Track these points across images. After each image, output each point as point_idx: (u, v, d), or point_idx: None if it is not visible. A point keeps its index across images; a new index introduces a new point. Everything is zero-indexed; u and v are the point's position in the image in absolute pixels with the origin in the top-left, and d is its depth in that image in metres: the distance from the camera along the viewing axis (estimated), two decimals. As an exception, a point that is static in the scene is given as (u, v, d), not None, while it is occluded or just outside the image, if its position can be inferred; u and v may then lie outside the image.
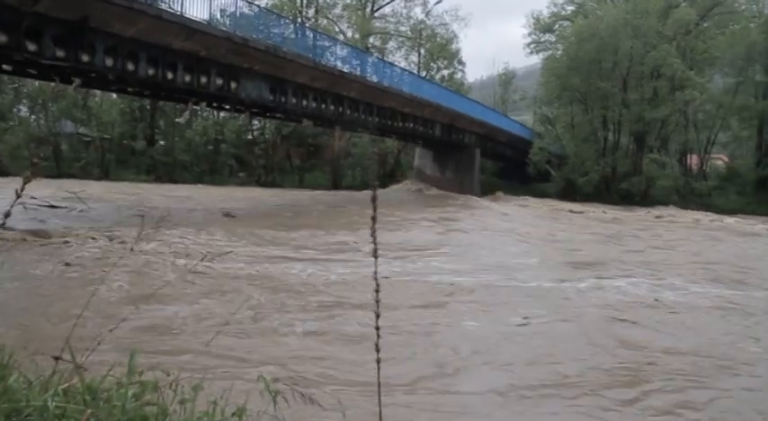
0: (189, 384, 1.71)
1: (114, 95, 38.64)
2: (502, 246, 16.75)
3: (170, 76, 17.41)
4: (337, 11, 48.55)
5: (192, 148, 43.24)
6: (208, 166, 43.52)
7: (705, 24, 43.15)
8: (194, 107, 25.99)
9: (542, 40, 51.21)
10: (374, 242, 1.68)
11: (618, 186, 39.97)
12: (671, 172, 40.41)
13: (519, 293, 10.33)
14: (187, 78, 18.00)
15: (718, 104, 41.13)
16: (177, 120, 39.81)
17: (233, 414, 1.69)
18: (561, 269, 13.21)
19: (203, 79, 18.59)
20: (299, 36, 22.67)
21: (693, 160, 43.92)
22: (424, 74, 45.50)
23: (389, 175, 42.42)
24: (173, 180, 38.18)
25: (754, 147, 42.14)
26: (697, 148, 43.09)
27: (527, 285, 11.00)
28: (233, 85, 19.79)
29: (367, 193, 1.36)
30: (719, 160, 46.89)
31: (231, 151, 44.90)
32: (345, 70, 24.82)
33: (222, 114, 42.01)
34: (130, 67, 16.19)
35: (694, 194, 38.87)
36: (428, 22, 48.50)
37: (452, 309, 9.04)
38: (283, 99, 22.38)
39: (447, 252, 14.82)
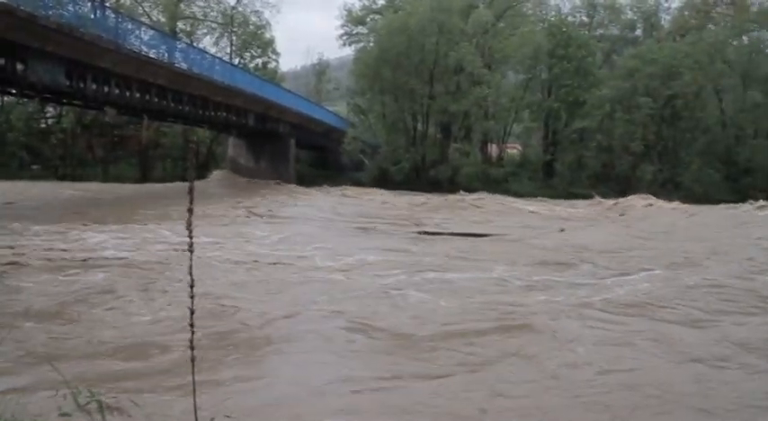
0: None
1: None
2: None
3: (-65, 53, 15.24)
4: (142, -9, 45.58)
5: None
6: (-9, 158, 38.71)
7: (501, 25, 46.97)
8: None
9: (355, 32, 52.36)
10: (190, 236, 1.68)
11: (427, 174, 42.39)
12: (474, 160, 43.58)
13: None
14: (-41, 58, 15.88)
15: (512, 98, 45.16)
16: None
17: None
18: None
19: (-20, 59, 16.53)
20: (98, 16, 20.96)
21: (493, 149, 47.89)
22: (237, 62, 44.47)
23: (203, 166, 40.99)
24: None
25: (541, 138, 46.91)
26: (495, 138, 47.11)
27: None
28: (19, 66, 17.80)
29: (181, 186, 1.36)
30: (515, 149, 51.56)
31: (21, 141, 40.37)
32: (152, 55, 23.48)
33: (7, 99, 37.78)
34: None
35: (494, 180, 42.22)
36: (239, 8, 47.41)
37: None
38: (82, 84, 20.59)
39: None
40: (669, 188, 38.28)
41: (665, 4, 51.24)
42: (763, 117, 40.98)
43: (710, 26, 46.50)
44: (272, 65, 48.92)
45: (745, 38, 45.51)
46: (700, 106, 42.54)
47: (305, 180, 39.73)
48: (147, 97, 24.39)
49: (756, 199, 33.59)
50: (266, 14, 50.48)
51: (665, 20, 51.91)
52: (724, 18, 47.20)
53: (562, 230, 19.45)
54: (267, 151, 37.90)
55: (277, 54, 49.12)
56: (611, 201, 32.14)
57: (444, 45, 42.15)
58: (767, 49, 45.72)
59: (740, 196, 35.76)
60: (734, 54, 43.09)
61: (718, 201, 33.40)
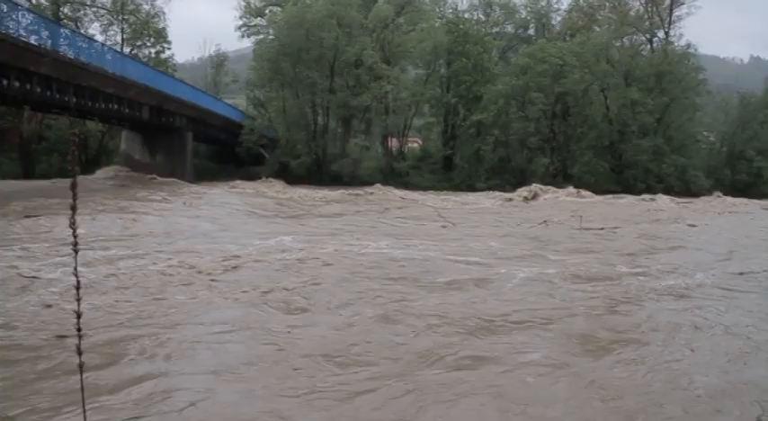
0: None
1: None
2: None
3: None
4: (19, -27, 42.35)
5: None
6: None
7: (400, 20, 47.46)
8: None
9: (253, 23, 51.30)
10: (74, 234, 1.54)
11: (328, 168, 42.24)
12: (374, 154, 43.85)
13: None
14: None
15: (412, 93, 45.78)
16: None
17: None
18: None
19: None
20: (-34, -3, 19.33)
21: (394, 143, 48.42)
22: (128, 51, 42.44)
23: (93, 161, 38.90)
24: None
25: (441, 132, 47.91)
26: (396, 132, 47.65)
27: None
28: None
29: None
30: (415, 143, 52.38)
31: None
32: (33, 42, 21.92)
33: None
34: None
35: (395, 174, 42.76)
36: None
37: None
38: (-52, 71, 18.98)
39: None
40: (560, 179, 40.24)
41: (556, 5, 53.82)
42: (642, 114, 43.83)
43: (596, 28, 49.20)
44: (165, 55, 47.06)
45: (625, 40, 48.53)
46: (588, 103, 44.99)
47: (204, 175, 38.57)
48: (29, 87, 22.76)
49: (639, 190, 36.08)
50: (159, 2, 48.45)
51: (556, 20, 54.52)
52: (608, 20, 50.03)
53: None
54: (163, 145, 36.39)
55: (169, 42, 47.19)
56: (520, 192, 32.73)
57: (344, 39, 42.05)
58: (644, 50, 49.07)
59: (624, 187, 38.44)
60: (617, 55, 45.82)
61: (606, 192, 35.54)
